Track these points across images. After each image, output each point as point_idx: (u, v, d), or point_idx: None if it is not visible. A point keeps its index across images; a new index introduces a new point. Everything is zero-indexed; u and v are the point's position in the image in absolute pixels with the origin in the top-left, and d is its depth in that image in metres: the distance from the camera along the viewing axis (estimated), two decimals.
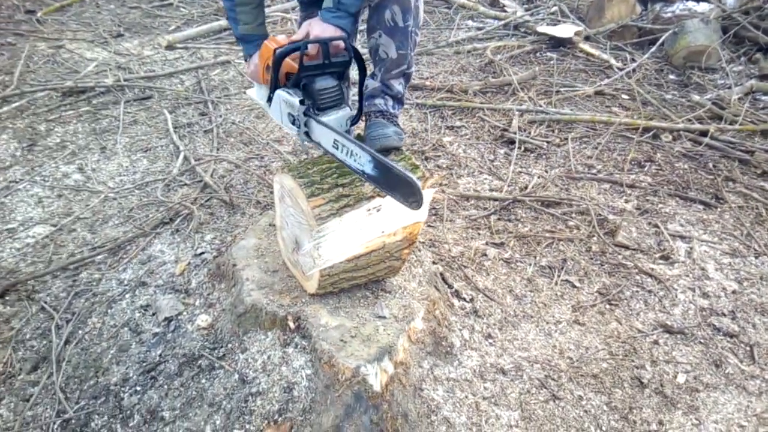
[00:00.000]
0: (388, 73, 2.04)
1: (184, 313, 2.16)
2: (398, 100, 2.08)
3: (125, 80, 4.22)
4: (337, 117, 1.87)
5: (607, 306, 2.39)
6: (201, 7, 5.97)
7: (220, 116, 3.86)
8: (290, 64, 1.89)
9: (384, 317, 1.91)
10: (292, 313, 1.90)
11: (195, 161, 3.29)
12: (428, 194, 1.97)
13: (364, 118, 2.03)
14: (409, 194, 1.56)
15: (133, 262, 2.51)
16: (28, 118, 3.69)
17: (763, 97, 4.47)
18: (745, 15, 5.14)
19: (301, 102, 1.84)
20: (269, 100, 2.02)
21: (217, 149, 3.45)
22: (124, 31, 5.22)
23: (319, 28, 1.88)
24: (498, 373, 2.03)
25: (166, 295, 2.25)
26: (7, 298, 2.34)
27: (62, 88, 4.01)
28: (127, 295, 2.31)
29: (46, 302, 2.31)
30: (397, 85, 2.06)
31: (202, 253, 2.53)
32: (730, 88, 4.50)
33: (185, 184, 3.11)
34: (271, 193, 3.06)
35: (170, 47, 4.94)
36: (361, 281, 2.00)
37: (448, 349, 2.05)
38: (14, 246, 2.63)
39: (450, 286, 2.36)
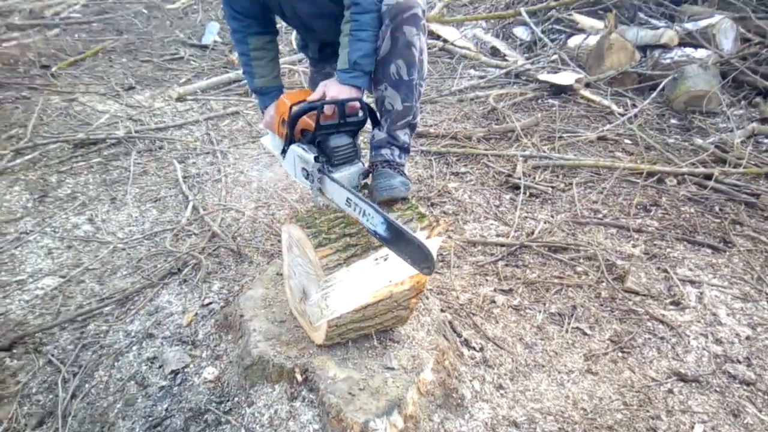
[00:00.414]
0: (394, 125, 2.09)
1: (191, 365, 2.14)
2: (404, 150, 2.13)
3: (136, 132, 4.32)
4: (350, 173, 1.94)
5: (620, 354, 2.35)
6: (211, 60, 6.15)
7: (229, 166, 3.92)
8: (306, 121, 1.96)
9: (393, 368, 1.88)
10: (299, 365, 1.88)
11: (203, 211, 3.32)
12: (436, 242, 1.98)
13: (371, 167, 2.07)
14: (421, 260, 1.61)
15: (140, 314, 2.51)
16: (40, 169, 3.76)
17: (765, 140, 4.51)
18: (742, 60, 5.24)
19: (316, 159, 1.90)
20: (283, 152, 2.09)
21: (226, 199, 3.50)
22: (135, 83, 5.37)
23: (335, 89, 1.95)
24: (511, 426, 1.98)
25: (173, 347, 2.24)
26: (14, 351, 2.33)
27: (74, 140, 4.10)
28: (134, 348, 2.30)
29: (53, 355, 2.30)
30: (403, 136, 2.10)
31: (210, 303, 2.52)
32: (731, 131, 4.54)
33: (194, 234, 3.14)
34: (278, 241, 3.08)
35: (181, 99, 5.06)
36: (369, 331, 1.99)
37: (459, 401, 2.01)
38: (23, 298, 2.64)
39: (459, 335, 2.33)
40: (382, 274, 1.86)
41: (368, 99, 2.13)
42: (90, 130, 4.31)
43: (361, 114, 1.98)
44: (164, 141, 4.25)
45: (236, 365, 2.03)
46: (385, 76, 2.04)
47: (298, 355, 1.92)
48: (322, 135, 1.92)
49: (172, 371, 2.12)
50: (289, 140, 2.04)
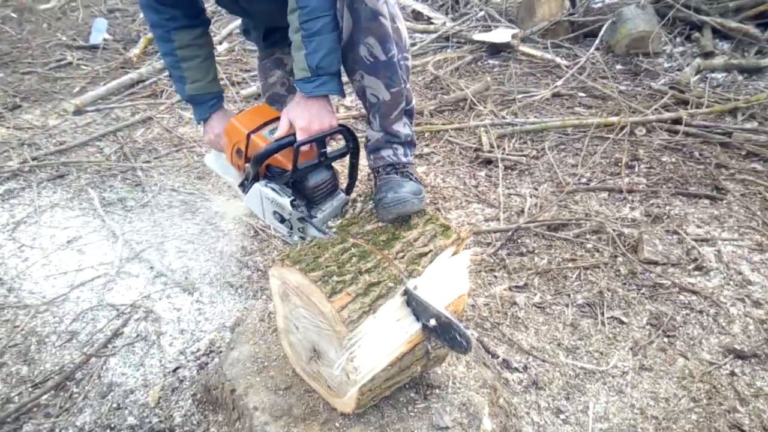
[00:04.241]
0: (386, 119, 1.65)
1: None
2: (408, 144, 1.70)
3: (33, 159, 3.59)
4: (333, 208, 1.61)
5: (665, 339, 2.09)
6: (104, 61, 5.34)
7: (155, 185, 3.33)
8: (277, 159, 1.57)
9: (447, 428, 1.49)
10: None
11: (137, 245, 2.75)
12: (465, 257, 1.59)
13: (373, 175, 1.65)
14: (454, 342, 1.37)
15: (90, 398, 1.97)
16: None
17: (713, 75, 4.43)
18: None
19: (293, 203, 1.49)
20: (242, 186, 1.67)
21: (162, 226, 2.93)
22: (21, 101, 4.54)
23: (303, 115, 1.53)
24: None
25: None
26: None
27: None
28: None
29: None
30: (402, 128, 1.67)
31: (178, 368, 2.02)
32: (679, 71, 4.43)
33: (133, 276, 2.58)
34: (242, 269, 2.59)
35: (79, 112, 4.31)
36: (404, 382, 1.59)
37: None
38: None
39: (494, 356, 1.98)
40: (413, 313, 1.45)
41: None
42: None
43: (342, 142, 1.58)
44: (70, 165, 3.56)
45: None
46: (356, 62, 1.58)
47: None
48: (298, 175, 1.52)
49: None
50: (253, 177, 1.61)
